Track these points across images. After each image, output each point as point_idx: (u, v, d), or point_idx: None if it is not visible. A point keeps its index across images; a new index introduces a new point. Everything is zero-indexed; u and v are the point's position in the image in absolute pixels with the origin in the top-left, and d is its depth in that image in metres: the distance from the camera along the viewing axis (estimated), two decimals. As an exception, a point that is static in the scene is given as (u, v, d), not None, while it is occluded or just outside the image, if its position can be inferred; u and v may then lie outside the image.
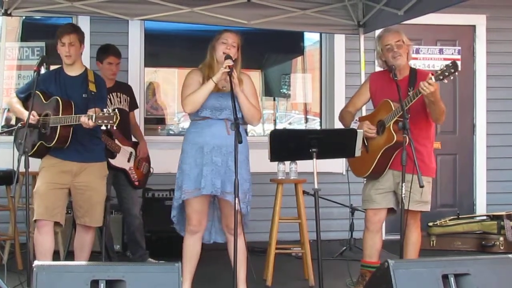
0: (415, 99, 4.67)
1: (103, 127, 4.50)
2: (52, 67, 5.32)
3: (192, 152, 4.72)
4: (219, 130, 4.67)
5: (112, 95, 5.96)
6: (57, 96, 4.77)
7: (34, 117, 4.72)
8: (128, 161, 5.98)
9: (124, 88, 6.14)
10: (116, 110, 4.56)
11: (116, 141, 5.85)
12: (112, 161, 5.79)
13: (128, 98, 6.11)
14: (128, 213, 6.09)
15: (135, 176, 6.02)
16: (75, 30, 4.96)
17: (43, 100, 4.82)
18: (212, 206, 4.89)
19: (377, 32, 7.02)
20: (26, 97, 4.96)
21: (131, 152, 6.01)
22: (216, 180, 4.63)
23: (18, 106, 4.96)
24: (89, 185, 4.89)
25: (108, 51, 5.98)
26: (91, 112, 4.60)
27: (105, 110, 4.51)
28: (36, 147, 4.80)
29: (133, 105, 6.22)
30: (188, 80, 4.79)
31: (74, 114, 4.70)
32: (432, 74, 4.99)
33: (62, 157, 4.81)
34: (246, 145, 4.73)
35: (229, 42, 4.72)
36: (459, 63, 7.61)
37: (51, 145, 4.74)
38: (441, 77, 4.54)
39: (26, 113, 4.72)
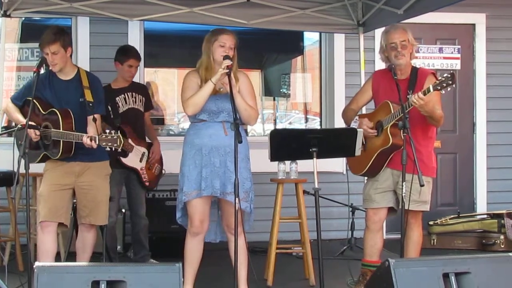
0: (408, 109, 4.68)
1: (108, 149, 4.52)
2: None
3: (191, 154, 4.73)
4: (217, 131, 4.68)
5: (127, 95, 5.98)
6: (55, 108, 4.74)
7: (35, 137, 4.71)
8: (140, 161, 5.97)
9: (139, 89, 6.17)
10: (120, 130, 4.64)
11: (129, 140, 5.85)
12: (124, 160, 5.81)
13: (144, 98, 6.12)
14: (135, 213, 6.10)
15: (146, 177, 6.02)
16: (57, 38, 4.77)
17: (41, 110, 4.78)
18: (216, 206, 4.89)
19: (377, 31, 7.06)
20: (23, 104, 4.92)
21: (144, 153, 6.00)
22: (215, 181, 4.63)
23: (16, 114, 4.91)
24: (92, 184, 4.89)
25: (130, 54, 5.99)
26: (91, 128, 4.67)
27: (107, 131, 4.52)
28: (40, 157, 4.82)
29: (148, 105, 6.22)
30: (187, 83, 4.79)
31: (74, 122, 4.71)
32: (433, 73, 5.01)
33: (66, 158, 4.81)
34: (245, 144, 4.73)
35: (227, 45, 4.70)
36: (458, 62, 7.83)
37: (57, 157, 4.74)
38: (439, 88, 4.55)
39: (24, 121, 4.71)
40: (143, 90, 6.22)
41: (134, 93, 6.04)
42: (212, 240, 4.96)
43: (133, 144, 5.88)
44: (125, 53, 6.02)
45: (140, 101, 6.08)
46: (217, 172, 4.64)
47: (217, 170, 4.64)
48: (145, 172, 6.01)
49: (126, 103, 5.97)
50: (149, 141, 6.19)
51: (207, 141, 4.68)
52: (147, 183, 6.04)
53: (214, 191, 4.64)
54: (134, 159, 5.92)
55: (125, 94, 5.97)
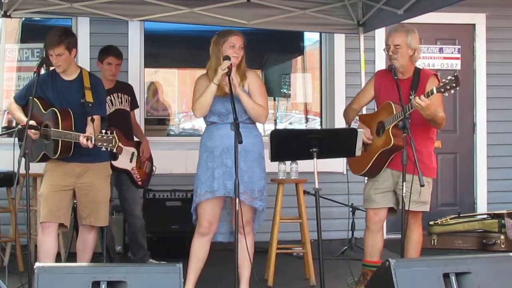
0: (410, 110, 4.68)
1: (103, 149, 4.54)
2: (52, 68, 5.30)
3: (204, 156, 4.78)
4: (227, 133, 4.65)
5: (113, 96, 5.96)
6: (55, 108, 4.75)
7: (35, 134, 4.72)
8: (131, 161, 5.97)
9: (124, 88, 6.14)
10: (113, 130, 4.60)
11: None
12: (114, 162, 5.77)
13: (129, 98, 6.11)
14: (130, 214, 6.10)
15: (138, 176, 6.02)
16: (61, 40, 4.76)
17: (42, 109, 4.79)
18: (229, 207, 4.89)
19: (377, 31, 7.07)
20: (25, 103, 4.93)
21: (133, 152, 6.01)
22: (228, 182, 4.64)
23: (18, 113, 4.93)
24: (93, 185, 4.90)
25: (108, 52, 5.95)
26: (89, 129, 4.68)
27: (103, 131, 4.54)
28: (40, 156, 4.84)
29: (134, 104, 6.21)
30: (196, 86, 4.83)
31: (74, 122, 4.72)
32: (435, 75, 5.00)
33: (66, 159, 4.82)
34: (258, 143, 4.78)
35: (237, 46, 4.71)
36: (458, 62, 7.82)
37: (55, 157, 4.75)
38: (442, 90, 4.55)
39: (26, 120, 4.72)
40: (128, 89, 6.19)
41: (120, 94, 6.02)
42: (225, 240, 4.96)
43: (121, 146, 5.88)
44: (104, 51, 5.97)
45: (126, 101, 6.07)
46: (230, 173, 4.62)
47: (229, 170, 4.63)
48: (136, 172, 6.01)
49: (112, 104, 5.94)
50: (137, 139, 6.18)
51: (218, 142, 4.70)
52: (139, 182, 6.04)
53: (227, 191, 4.65)
54: (124, 161, 5.91)
55: (111, 95, 5.93)
